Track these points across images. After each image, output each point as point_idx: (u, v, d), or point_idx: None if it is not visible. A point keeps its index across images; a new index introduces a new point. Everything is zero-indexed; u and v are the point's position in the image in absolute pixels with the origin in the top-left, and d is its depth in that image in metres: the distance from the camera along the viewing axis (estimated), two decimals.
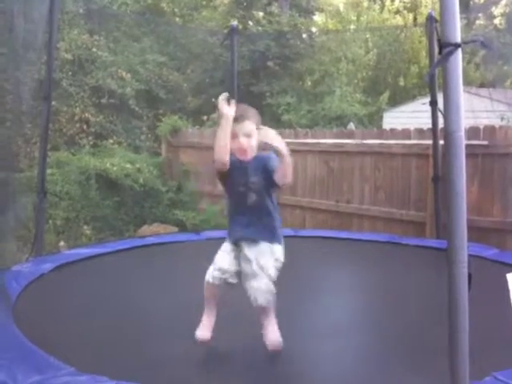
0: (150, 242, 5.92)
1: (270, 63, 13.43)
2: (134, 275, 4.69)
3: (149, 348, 3.10)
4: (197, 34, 13.99)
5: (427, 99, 6.36)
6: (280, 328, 3.00)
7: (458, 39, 1.84)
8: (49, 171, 7.64)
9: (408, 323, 3.47)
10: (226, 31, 7.32)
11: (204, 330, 2.99)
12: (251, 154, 2.80)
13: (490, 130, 6.01)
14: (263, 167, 2.81)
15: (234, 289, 3.04)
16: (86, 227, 8.03)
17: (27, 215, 6.97)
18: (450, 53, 1.82)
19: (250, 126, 2.77)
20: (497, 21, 16.34)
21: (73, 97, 10.45)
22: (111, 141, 10.57)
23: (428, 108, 6.28)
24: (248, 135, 2.77)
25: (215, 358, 2.98)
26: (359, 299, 3.79)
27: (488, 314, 3.30)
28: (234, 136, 2.74)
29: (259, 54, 13.34)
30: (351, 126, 11.70)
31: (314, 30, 16.71)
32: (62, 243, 7.36)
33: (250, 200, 2.87)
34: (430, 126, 6.29)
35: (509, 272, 3.70)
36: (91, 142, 10.34)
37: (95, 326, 3.43)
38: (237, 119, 2.71)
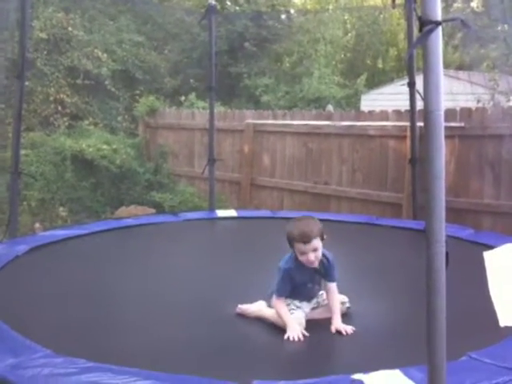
0: (127, 224, 5.86)
1: (247, 44, 13.31)
2: (111, 257, 4.65)
3: (126, 330, 3.08)
4: (174, 13, 13.78)
5: (405, 81, 6.37)
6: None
7: (439, 17, 1.83)
8: (23, 152, 7.53)
9: (385, 301, 3.50)
10: (203, 10, 7.20)
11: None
12: (317, 262, 3.07)
13: (467, 112, 6.06)
14: (325, 272, 3.15)
15: None
16: (61, 209, 7.94)
17: (1, 196, 6.86)
18: (431, 31, 1.81)
19: (316, 243, 3.00)
20: (474, 4, 16.41)
21: (47, 77, 10.24)
22: (87, 122, 10.41)
23: (406, 90, 6.29)
24: (315, 250, 3.01)
25: (191, 341, 2.97)
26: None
27: (464, 294, 3.35)
28: (303, 253, 2.99)
29: (237, 34, 13.22)
30: (329, 107, 11.71)
31: (292, 11, 16.57)
32: (37, 225, 7.27)
33: (314, 291, 3.21)
34: (407, 108, 6.31)
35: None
36: (66, 123, 10.17)
37: (71, 308, 3.39)
38: (304, 241, 2.96)
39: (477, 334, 2.90)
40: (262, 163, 8.22)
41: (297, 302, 3.12)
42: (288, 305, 3.09)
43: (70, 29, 10.72)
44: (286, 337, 2.89)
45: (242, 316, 3.23)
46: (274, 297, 3.08)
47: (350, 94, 14.05)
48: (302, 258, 3.03)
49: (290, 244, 3.06)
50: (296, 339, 2.87)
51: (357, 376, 2.31)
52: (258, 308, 3.23)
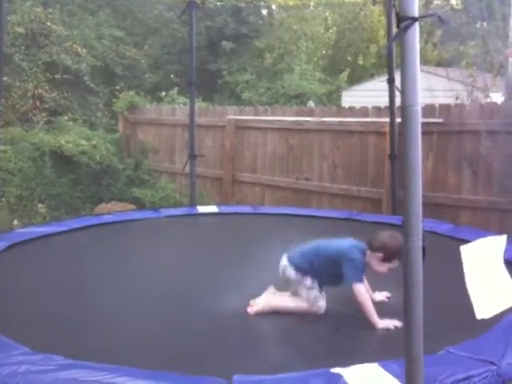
0: (108, 220, 5.82)
1: (224, 43, 13.25)
2: (91, 254, 4.61)
3: (105, 327, 3.06)
4: (154, 7, 13.69)
5: (385, 78, 6.41)
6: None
7: (416, 13, 1.85)
8: (1, 148, 7.44)
9: None
10: (183, 5, 7.16)
11: None
12: None
13: (446, 109, 6.12)
14: None
15: None
16: (40, 205, 7.85)
17: None
18: (408, 26, 1.83)
19: None
20: (453, 1, 16.56)
21: (26, 72, 10.11)
22: (66, 117, 10.30)
23: (386, 87, 6.33)
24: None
25: (171, 336, 2.97)
26: None
27: (442, 287, 3.39)
28: (391, 269, 3.21)
29: (217, 30, 13.18)
30: (311, 103, 11.74)
31: (273, 6, 16.56)
32: (15, 222, 7.19)
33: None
34: (387, 104, 6.36)
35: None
36: (45, 119, 10.05)
37: (50, 305, 3.36)
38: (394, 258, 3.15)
39: (454, 326, 2.94)
40: (244, 159, 8.21)
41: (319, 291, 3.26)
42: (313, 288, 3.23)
43: (48, 23, 10.58)
44: (381, 327, 3.01)
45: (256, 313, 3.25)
46: (358, 284, 3.12)
47: (331, 90, 14.09)
48: (382, 270, 3.20)
49: (388, 255, 3.15)
50: (392, 328, 2.98)
51: (336, 370, 2.32)
52: (269, 301, 3.30)
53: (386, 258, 3.16)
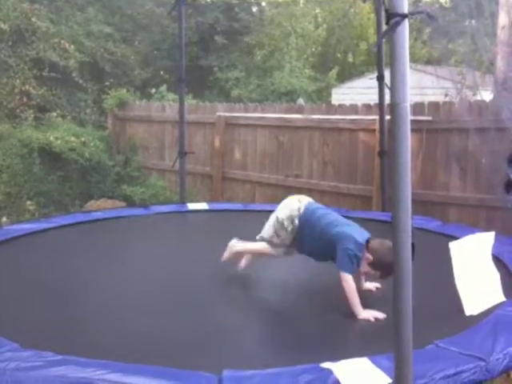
0: (97, 217, 5.79)
1: (217, 38, 13.23)
2: (80, 251, 4.59)
3: (93, 323, 3.05)
4: (143, 3, 13.62)
5: (375, 75, 6.43)
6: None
7: (405, 10, 1.85)
8: None
9: None
10: (173, 1, 7.13)
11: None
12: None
13: (435, 106, 6.16)
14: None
15: None
16: (29, 202, 7.80)
17: None
18: (397, 23, 1.83)
19: None
20: None
21: (12, 68, 10.01)
22: (55, 114, 10.21)
23: (375, 84, 6.35)
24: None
25: (161, 331, 2.97)
26: (308, 269, 3.84)
27: (431, 284, 3.41)
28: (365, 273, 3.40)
29: (208, 26, 13.14)
30: (300, 101, 11.76)
31: (263, 3, 16.55)
32: (4, 219, 7.14)
33: None
34: (377, 101, 6.38)
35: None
36: (33, 115, 9.96)
37: (38, 302, 3.35)
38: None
39: (443, 322, 2.96)
40: (234, 156, 8.21)
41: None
42: None
43: (33, 19, 10.43)
44: (362, 317, 3.06)
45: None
46: (346, 274, 3.16)
47: (320, 87, 14.12)
48: (364, 269, 3.28)
49: (376, 263, 3.19)
50: (372, 319, 3.04)
51: (325, 365, 2.33)
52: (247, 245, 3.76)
53: (373, 265, 3.21)
